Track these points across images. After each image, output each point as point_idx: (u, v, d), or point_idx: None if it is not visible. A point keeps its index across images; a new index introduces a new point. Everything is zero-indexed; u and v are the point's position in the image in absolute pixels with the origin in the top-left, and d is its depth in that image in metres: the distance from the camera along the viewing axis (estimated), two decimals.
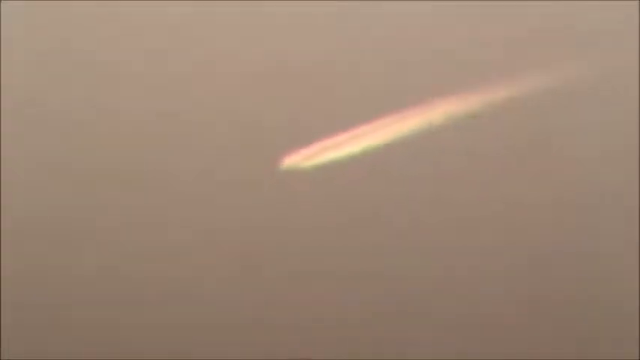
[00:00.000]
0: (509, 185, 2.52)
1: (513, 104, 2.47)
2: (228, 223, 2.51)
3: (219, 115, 2.50)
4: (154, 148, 2.52)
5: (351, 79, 2.50)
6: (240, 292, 2.51)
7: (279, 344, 2.52)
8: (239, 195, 2.51)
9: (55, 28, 2.51)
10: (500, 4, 2.49)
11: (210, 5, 2.49)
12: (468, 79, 2.48)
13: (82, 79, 2.52)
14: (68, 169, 2.51)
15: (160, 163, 2.52)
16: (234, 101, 2.50)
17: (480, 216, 2.52)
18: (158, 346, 2.51)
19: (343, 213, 2.52)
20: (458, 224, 2.52)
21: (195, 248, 2.51)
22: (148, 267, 2.52)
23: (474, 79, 2.47)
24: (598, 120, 2.51)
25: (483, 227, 2.52)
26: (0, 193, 2.48)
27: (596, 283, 2.51)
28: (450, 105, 2.47)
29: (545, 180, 2.53)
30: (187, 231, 2.51)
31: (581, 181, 2.52)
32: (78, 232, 2.51)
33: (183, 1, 2.50)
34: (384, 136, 2.49)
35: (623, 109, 2.51)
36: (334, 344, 2.52)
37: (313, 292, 2.51)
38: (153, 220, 2.52)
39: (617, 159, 2.51)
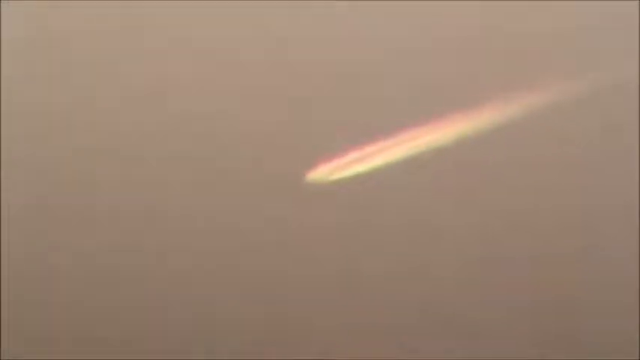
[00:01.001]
0: (511, 190, 2.53)
1: (516, 112, 2.47)
2: (252, 236, 2.51)
3: (244, 126, 2.50)
4: (172, 157, 2.51)
5: (376, 91, 2.50)
6: (264, 304, 2.51)
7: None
8: (264, 208, 2.50)
9: (55, 28, 2.50)
10: (500, 10, 2.49)
11: (232, 6, 2.49)
12: (480, 87, 2.49)
13: (82, 79, 2.51)
14: (69, 169, 2.51)
15: (180, 171, 2.52)
16: (260, 113, 2.50)
17: (483, 218, 2.53)
18: (159, 345, 2.51)
19: (367, 226, 2.52)
20: (468, 229, 2.52)
21: (218, 260, 2.50)
22: (156, 270, 2.52)
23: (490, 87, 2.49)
24: (598, 123, 2.52)
25: (486, 230, 2.53)
26: (0, 192, 2.48)
27: (596, 283, 2.51)
28: (460, 118, 2.48)
29: (547, 183, 2.53)
30: (210, 242, 2.51)
31: (582, 184, 2.52)
32: (79, 231, 2.51)
33: (200, 1, 2.50)
34: (407, 149, 2.49)
35: (623, 111, 2.51)
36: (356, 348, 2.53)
37: (337, 304, 2.51)
38: (169, 227, 2.52)
39: (618, 162, 2.52)
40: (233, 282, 2.51)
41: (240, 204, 2.51)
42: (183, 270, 2.51)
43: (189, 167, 2.52)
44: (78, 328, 2.50)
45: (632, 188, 2.50)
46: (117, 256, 2.51)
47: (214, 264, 2.51)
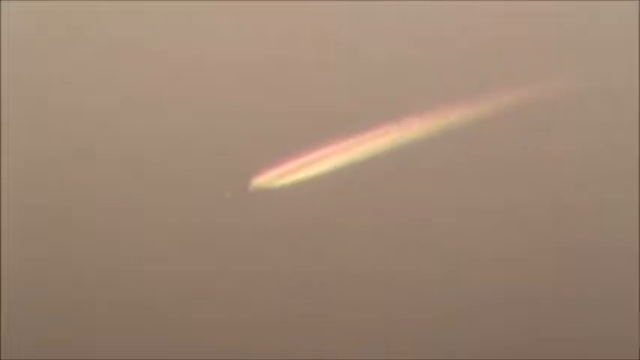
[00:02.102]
0: (509, 189, 2.53)
1: (512, 111, 2.48)
2: (200, 240, 2.50)
3: (189, 131, 2.49)
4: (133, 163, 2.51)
5: (328, 95, 2.49)
6: (206, 320, 2.50)
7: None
8: (208, 214, 2.49)
9: (55, 28, 2.51)
10: (498, 9, 2.49)
11: (198, 6, 2.49)
12: (463, 87, 2.49)
13: (83, 79, 2.52)
14: (69, 169, 2.51)
15: (148, 177, 2.51)
16: (206, 118, 2.49)
17: (478, 219, 2.53)
18: (159, 346, 2.51)
19: (313, 231, 2.51)
20: (451, 234, 2.52)
21: (166, 268, 2.49)
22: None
23: (470, 88, 2.48)
24: (598, 123, 2.52)
25: (482, 230, 2.53)
26: (0, 191, 2.48)
27: (596, 283, 2.52)
28: (446, 114, 2.47)
29: (546, 183, 2.53)
30: (158, 249, 2.50)
31: (581, 184, 2.52)
32: (80, 231, 2.52)
33: (182, 2, 2.50)
34: (358, 152, 2.47)
35: (623, 112, 2.52)
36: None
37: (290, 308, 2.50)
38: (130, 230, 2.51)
39: (617, 162, 2.52)
40: (176, 287, 2.50)
41: (184, 210, 2.49)
42: (122, 272, 2.50)
43: (140, 172, 2.51)
44: (78, 328, 2.50)
45: (632, 188, 2.51)
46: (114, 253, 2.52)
47: (160, 269, 2.50)
